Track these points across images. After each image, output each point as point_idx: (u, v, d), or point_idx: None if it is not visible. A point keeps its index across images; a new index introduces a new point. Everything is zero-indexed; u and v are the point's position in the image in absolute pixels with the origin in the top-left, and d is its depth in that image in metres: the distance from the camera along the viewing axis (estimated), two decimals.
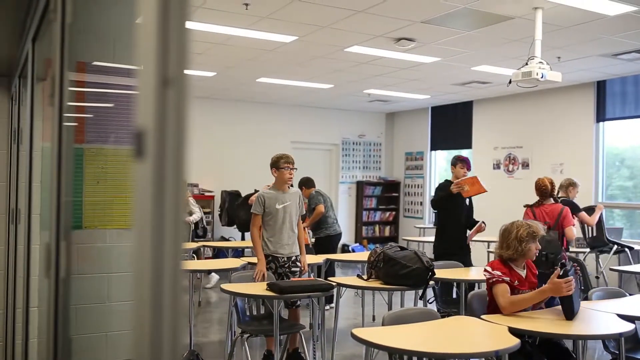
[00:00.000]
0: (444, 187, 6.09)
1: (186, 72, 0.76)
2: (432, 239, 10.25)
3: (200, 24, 5.98)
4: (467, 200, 6.12)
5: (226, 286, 4.38)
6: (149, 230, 0.73)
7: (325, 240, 7.17)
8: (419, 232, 11.47)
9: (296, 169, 4.98)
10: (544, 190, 5.83)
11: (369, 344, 2.92)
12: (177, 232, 0.74)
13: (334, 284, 4.54)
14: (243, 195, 9.35)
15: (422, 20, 5.80)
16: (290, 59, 7.68)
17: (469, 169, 6.18)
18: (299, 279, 4.79)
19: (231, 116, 11.57)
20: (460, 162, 6.19)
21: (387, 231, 12.99)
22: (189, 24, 0.77)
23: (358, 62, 7.83)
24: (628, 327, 3.27)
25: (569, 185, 7.18)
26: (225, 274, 5.16)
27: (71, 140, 2.18)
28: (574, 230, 5.65)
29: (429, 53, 7.20)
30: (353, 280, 4.86)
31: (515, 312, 3.49)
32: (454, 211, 5.98)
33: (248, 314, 4.83)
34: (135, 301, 0.74)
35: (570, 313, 3.42)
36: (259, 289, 4.38)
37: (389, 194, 13.06)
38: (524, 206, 6.06)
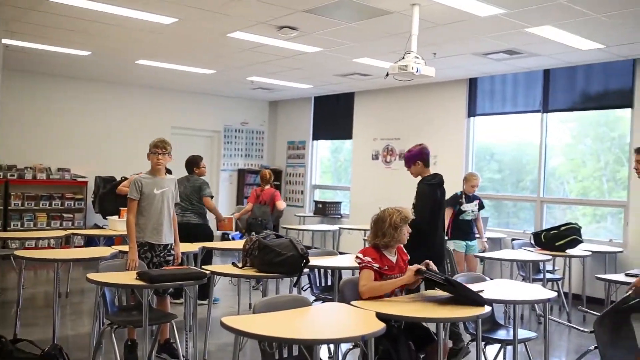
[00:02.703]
0: None
1: None
2: (312, 227, 10.46)
3: None
4: None
5: (92, 276, 4.16)
6: None
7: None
8: (299, 220, 11.58)
9: (169, 154, 4.75)
10: (265, 178, 7.89)
11: (238, 332, 2.88)
12: None
13: (207, 272, 4.45)
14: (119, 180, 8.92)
15: (304, 9, 5.81)
16: (170, 41, 7.44)
17: None
18: (172, 267, 4.66)
19: (108, 99, 11.07)
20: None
21: None
22: None
23: (241, 49, 7.73)
24: (485, 309, 3.47)
25: (464, 179, 7.30)
26: (95, 263, 4.90)
27: None
28: (283, 204, 7.90)
29: (311, 43, 7.24)
30: (228, 268, 4.80)
31: (375, 297, 3.60)
32: None
33: (117, 304, 4.63)
34: None
35: (475, 299, 3.56)
36: (128, 278, 4.21)
37: None
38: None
